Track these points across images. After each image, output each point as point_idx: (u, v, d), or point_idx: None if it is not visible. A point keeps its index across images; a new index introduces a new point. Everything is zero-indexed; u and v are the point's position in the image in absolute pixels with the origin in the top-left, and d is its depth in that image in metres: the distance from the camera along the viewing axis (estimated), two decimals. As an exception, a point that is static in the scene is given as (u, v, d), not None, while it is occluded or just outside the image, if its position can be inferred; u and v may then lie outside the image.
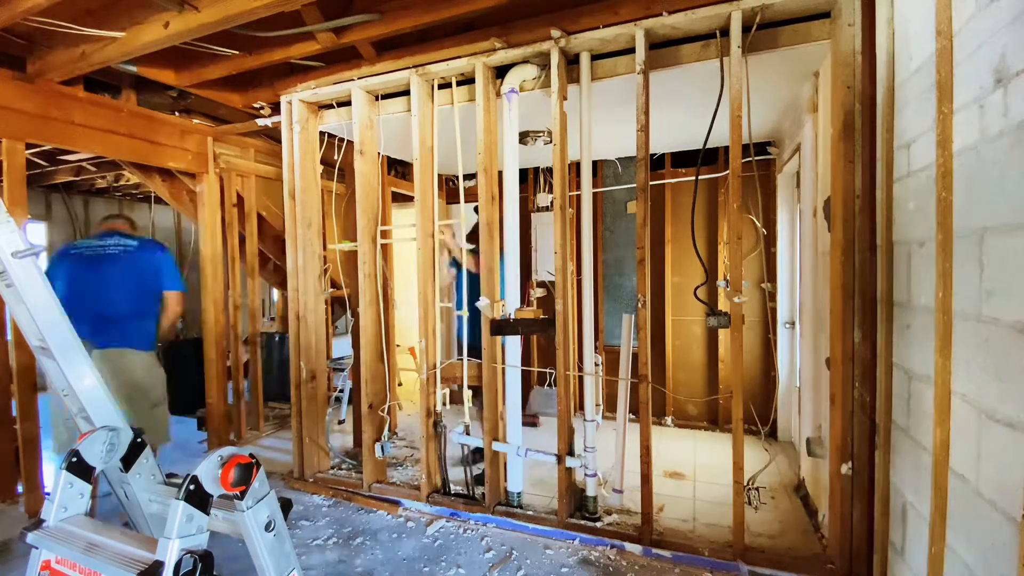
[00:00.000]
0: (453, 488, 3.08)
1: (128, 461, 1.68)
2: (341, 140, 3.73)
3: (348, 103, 3.22)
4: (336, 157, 3.62)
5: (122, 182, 6.11)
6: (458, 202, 3.15)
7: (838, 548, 2.24)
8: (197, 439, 4.25)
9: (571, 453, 2.74)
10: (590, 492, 2.77)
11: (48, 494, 1.51)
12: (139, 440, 1.71)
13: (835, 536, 2.26)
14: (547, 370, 4.53)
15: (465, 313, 3.02)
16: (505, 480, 2.95)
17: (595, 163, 4.61)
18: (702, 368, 4.58)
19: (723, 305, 3.88)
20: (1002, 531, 1.22)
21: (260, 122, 3.65)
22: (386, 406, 3.26)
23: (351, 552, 2.63)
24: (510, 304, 2.90)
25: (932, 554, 1.51)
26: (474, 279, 3.09)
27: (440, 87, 2.99)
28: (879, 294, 2.06)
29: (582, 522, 2.71)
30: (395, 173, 5.09)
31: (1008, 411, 1.22)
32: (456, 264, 3.46)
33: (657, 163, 4.57)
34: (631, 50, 2.52)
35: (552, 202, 2.88)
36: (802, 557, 2.39)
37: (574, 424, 2.81)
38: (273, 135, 4.20)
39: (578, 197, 2.80)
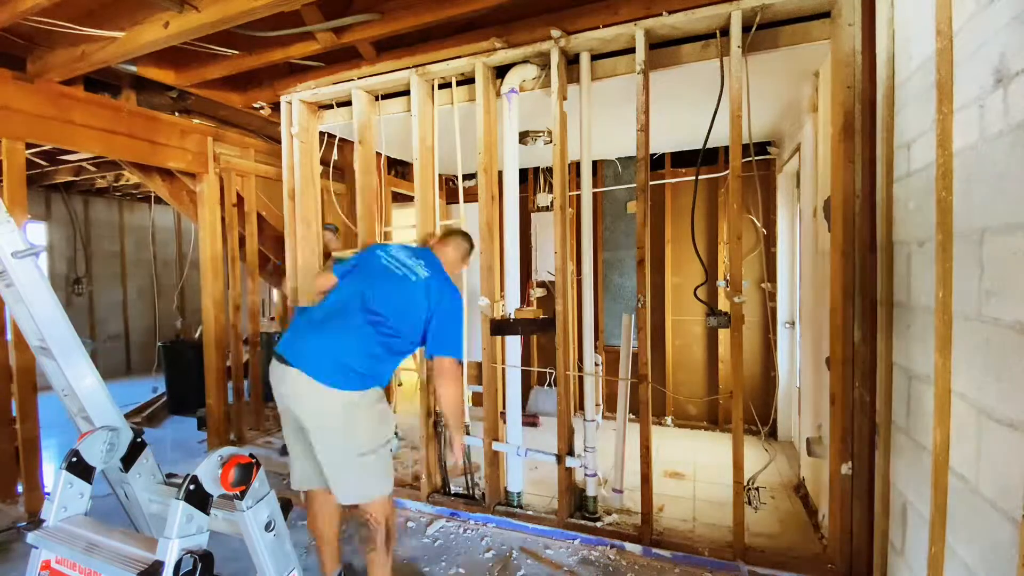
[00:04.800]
0: (453, 488, 3.08)
1: (128, 461, 1.69)
2: (341, 140, 3.73)
3: (348, 103, 3.21)
4: (335, 157, 3.62)
5: (122, 182, 6.12)
6: (458, 202, 3.15)
7: (838, 548, 2.24)
8: (197, 439, 4.25)
9: (571, 453, 2.74)
10: (590, 492, 2.77)
11: (48, 494, 1.51)
12: (139, 440, 1.71)
13: (835, 536, 2.26)
14: (547, 370, 4.54)
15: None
16: (505, 480, 2.95)
17: (595, 163, 4.61)
18: (702, 368, 4.58)
19: (723, 305, 3.88)
20: (1002, 531, 1.22)
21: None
22: (386, 406, 3.25)
23: (351, 552, 2.63)
24: (510, 304, 2.90)
25: (932, 554, 1.51)
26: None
27: (440, 87, 2.99)
28: (879, 294, 2.06)
29: (582, 522, 2.71)
30: (395, 173, 5.09)
31: (1008, 411, 1.21)
32: None
33: (657, 163, 4.56)
34: (631, 50, 2.51)
35: (552, 202, 2.88)
36: (802, 557, 2.39)
37: (574, 424, 2.81)
38: (273, 135, 4.20)
39: (578, 197, 2.80)
